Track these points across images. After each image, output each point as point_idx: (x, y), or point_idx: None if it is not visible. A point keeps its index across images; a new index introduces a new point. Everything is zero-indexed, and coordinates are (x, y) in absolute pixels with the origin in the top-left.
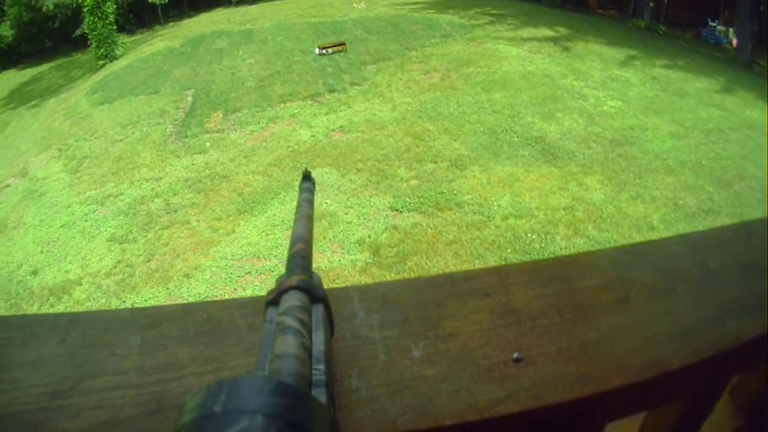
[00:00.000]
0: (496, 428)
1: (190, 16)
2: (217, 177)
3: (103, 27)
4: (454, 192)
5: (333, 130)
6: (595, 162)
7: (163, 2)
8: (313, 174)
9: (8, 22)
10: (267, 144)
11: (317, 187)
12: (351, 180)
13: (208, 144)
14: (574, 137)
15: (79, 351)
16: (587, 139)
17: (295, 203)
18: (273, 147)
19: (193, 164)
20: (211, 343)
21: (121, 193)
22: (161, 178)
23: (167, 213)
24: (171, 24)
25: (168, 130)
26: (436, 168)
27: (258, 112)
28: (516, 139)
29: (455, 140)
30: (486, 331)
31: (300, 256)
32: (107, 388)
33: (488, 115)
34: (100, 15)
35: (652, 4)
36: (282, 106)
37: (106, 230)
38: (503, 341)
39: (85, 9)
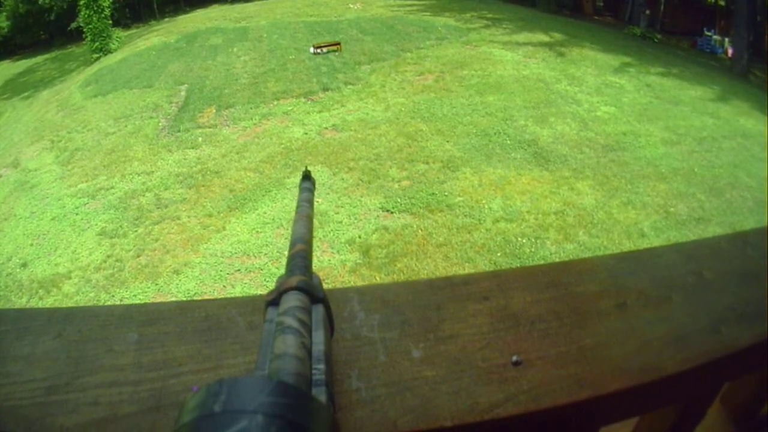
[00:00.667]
0: (495, 430)
1: (185, 12)
2: (208, 172)
3: (98, 21)
4: (446, 194)
5: (326, 128)
6: (587, 167)
7: None
8: None
9: (4, 14)
10: (259, 140)
11: None
12: (342, 179)
13: (200, 139)
14: (567, 141)
15: (75, 346)
16: (580, 143)
17: (286, 201)
18: (265, 143)
19: (184, 159)
20: (210, 341)
21: (112, 187)
22: (153, 172)
23: (158, 208)
24: (166, 19)
25: (161, 124)
26: (428, 169)
27: (251, 108)
28: (508, 141)
29: (448, 141)
30: (485, 334)
31: (300, 257)
32: (104, 384)
33: (481, 118)
34: (95, 9)
35: (648, 12)
36: (275, 103)
37: (96, 224)
38: (502, 344)
39: (81, 2)
